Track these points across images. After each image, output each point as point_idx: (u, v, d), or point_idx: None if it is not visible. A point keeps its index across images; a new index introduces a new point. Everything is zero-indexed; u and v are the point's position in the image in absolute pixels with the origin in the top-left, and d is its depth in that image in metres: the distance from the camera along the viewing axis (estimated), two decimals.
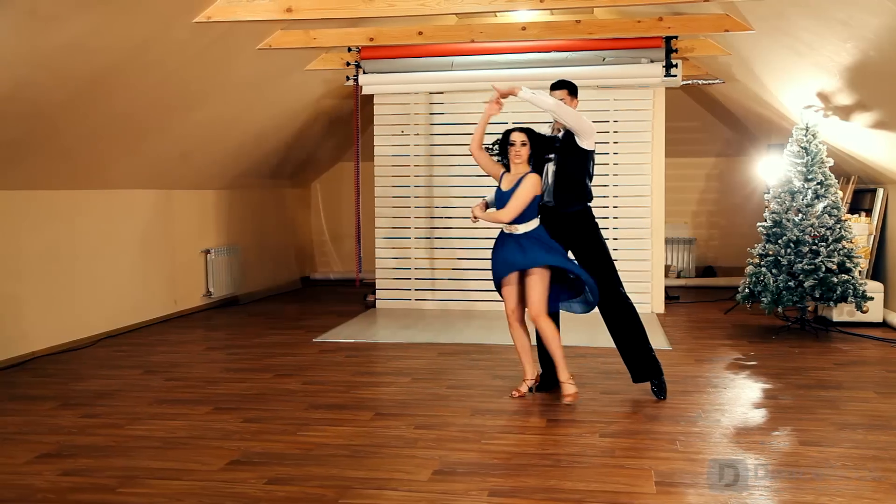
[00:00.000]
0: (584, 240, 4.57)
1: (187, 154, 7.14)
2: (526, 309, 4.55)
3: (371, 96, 7.90)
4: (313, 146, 9.41)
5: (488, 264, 7.76)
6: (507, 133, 4.48)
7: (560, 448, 3.80)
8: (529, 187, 4.39)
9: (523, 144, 4.42)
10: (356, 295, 8.75)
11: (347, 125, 9.46)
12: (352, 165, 10.29)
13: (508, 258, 4.45)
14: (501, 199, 4.48)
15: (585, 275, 4.40)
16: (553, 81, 4.62)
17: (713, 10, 5.80)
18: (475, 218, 4.50)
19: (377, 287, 8.12)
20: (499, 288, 4.60)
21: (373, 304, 8.14)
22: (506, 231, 4.49)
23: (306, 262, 10.63)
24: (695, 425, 4.09)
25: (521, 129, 4.46)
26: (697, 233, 9.94)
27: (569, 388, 4.46)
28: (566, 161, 4.49)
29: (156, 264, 7.27)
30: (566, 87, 4.56)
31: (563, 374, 4.48)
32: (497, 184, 4.57)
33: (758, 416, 4.27)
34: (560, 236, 4.51)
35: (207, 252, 8.05)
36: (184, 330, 6.97)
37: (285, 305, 8.47)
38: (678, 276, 9.52)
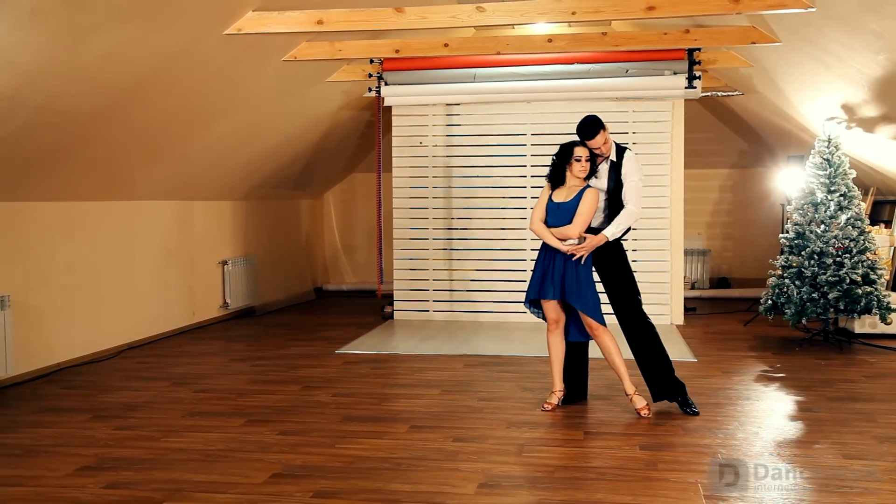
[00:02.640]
0: (613, 260, 4.59)
1: (207, 165, 7.13)
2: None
3: (389, 108, 7.89)
4: (328, 157, 9.41)
5: (506, 276, 7.92)
6: (571, 146, 4.47)
7: (602, 461, 3.77)
8: (593, 201, 4.44)
9: (587, 160, 4.44)
10: (372, 306, 8.72)
11: (363, 136, 9.47)
12: (365, 177, 10.34)
13: (556, 281, 4.46)
14: (558, 211, 4.48)
15: (592, 314, 4.45)
16: (581, 125, 4.42)
17: (740, 23, 5.81)
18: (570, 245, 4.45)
19: (395, 298, 8.09)
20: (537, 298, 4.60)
21: (390, 316, 8.11)
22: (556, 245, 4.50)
23: (319, 273, 10.61)
24: (733, 438, 4.07)
25: (583, 145, 4.45)
26: (711, 244, 9.95)
27: (639, 401, 4.52)
28: (616, 186, 4.52)
29: (175, 275, 7.25)
30: (602, 127, 4.43)
31: (630, 387, 4.54)
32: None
33: (795, 429, 4.25)
34: (591, 254, 4.53)
35: (225, 263, 8.04)
36: (204, 341, 6.94)
37: (302, 316, 8.44)
38: (692, 288, 9.52)
